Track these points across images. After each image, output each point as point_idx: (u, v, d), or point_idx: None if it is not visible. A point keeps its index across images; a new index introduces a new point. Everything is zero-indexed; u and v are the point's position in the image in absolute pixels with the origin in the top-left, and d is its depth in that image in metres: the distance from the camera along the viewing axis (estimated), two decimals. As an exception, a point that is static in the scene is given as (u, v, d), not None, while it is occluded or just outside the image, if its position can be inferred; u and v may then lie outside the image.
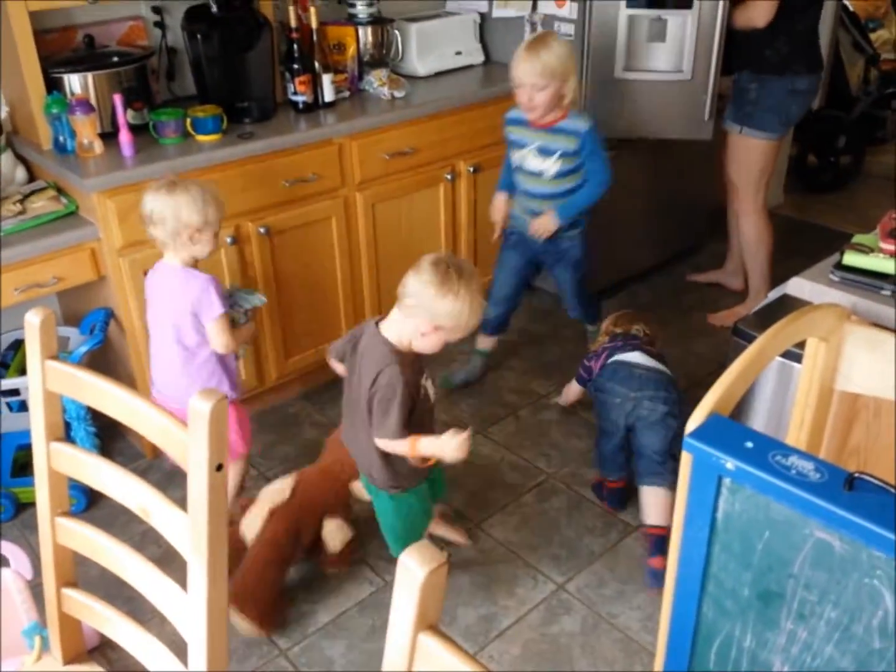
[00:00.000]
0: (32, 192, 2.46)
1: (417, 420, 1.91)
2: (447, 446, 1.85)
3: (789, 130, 3.28)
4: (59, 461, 1.32)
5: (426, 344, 1.86)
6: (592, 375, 2.52)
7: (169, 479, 2.55)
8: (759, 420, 1.97)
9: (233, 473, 2.34)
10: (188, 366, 2.14)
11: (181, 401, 2.02)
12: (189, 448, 1.07)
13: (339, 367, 2.06)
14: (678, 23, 3.04)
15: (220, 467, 1.08)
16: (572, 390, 2.84)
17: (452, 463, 1.90)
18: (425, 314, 1.80)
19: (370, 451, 1.96)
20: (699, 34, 3.02)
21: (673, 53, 3.11)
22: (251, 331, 2.27)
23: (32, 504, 2.46)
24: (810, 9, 3.01)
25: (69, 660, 1.47)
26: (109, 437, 2.74)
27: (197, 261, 2.12)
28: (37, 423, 1.31)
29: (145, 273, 2.43)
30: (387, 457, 1.96)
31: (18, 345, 2.64)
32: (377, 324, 1.91)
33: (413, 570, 0.81)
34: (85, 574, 1.47)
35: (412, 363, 1.89)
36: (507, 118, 2.79)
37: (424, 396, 1.95)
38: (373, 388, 1.86)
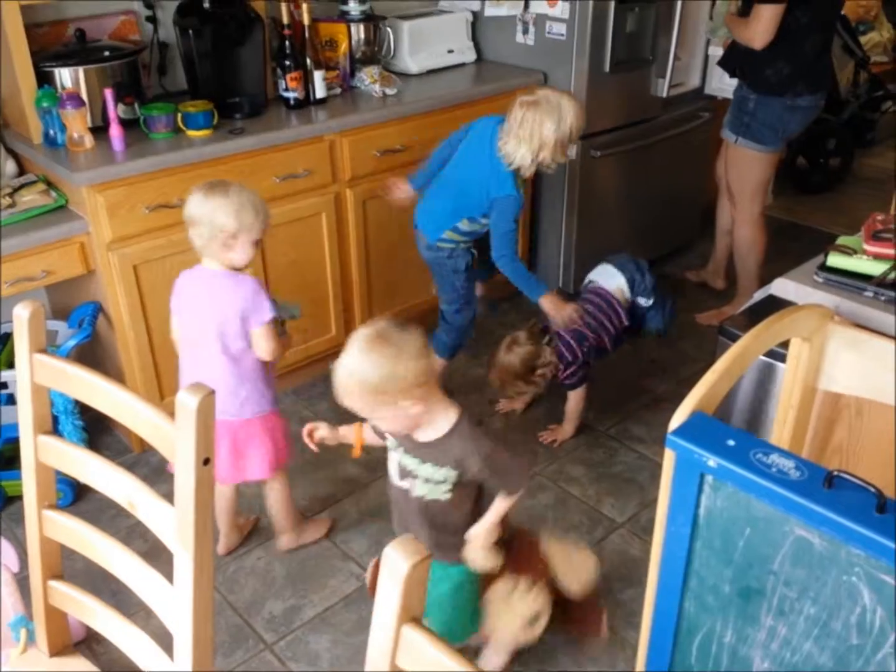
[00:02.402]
0: (22, 186, 2.46)
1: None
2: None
3: (785, 144, 3.25)
4: (47, 454, 1.32)
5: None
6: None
7: (157, 474, 2.56)
8: (742, 418, 1.98)
9: (281, 486, 2.24)
10: (234, 374, 2.02)
11: (229, 411, 2.03)
12: (176, 442, 1.08)
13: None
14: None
15: (206, 461, 1.08)
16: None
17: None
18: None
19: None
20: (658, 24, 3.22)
21: (643, 42, 3.25)
22: (288, 341, 2.15)
23: (19, 497, 2.48)
24: (818, 30, 2.92)
25: (55, 652, 1.47)
26: (97, 431, 2.74)
27: (236, 268, 2.00)
28: (24, 416, 1.31)
29: (134, 268, 2.45)
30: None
31: (7, 338, 2.63)
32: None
33: (397, 562, 0.82)
34: (70, 567, 1.48)
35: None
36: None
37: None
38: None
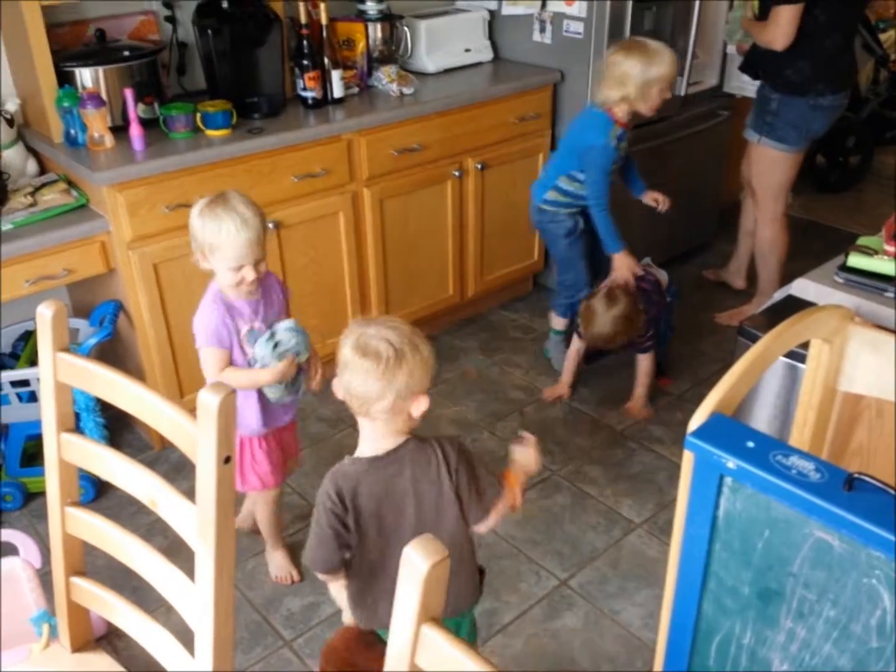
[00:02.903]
0: (43, 185, 2.49)
1: None
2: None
3: (809, 143, 3.22)
4: (70, 452, 1.34)
5: None
6: None
7: (177, 471, 2.57)
8: (762, 420, 1.97)
9: (249, 502, 2.33)
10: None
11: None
12: (198, 441, 1.09)
13: None
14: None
15: (227, 459, 1.09)
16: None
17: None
18: None
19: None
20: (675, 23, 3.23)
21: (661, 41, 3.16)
22: (280, 374, 1.95)
23: (40, 494, 2.51)
24: (837, 28, 2.90)
25: (77, 648, 1.49)
26: (117, 428, 2.77)
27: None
28: (48, 414, 1.33)
29: (154, 266, 2.47)
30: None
31: (28, 336, 2.66)
32: None
33: (417, 563, 0.82)
34: (91, 563, 1.49)
35: None
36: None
37: None
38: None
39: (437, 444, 1.54)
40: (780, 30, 2.80)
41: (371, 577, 1.55)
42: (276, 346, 1.95)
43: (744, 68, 3.20)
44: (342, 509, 1.47)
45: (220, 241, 1.83)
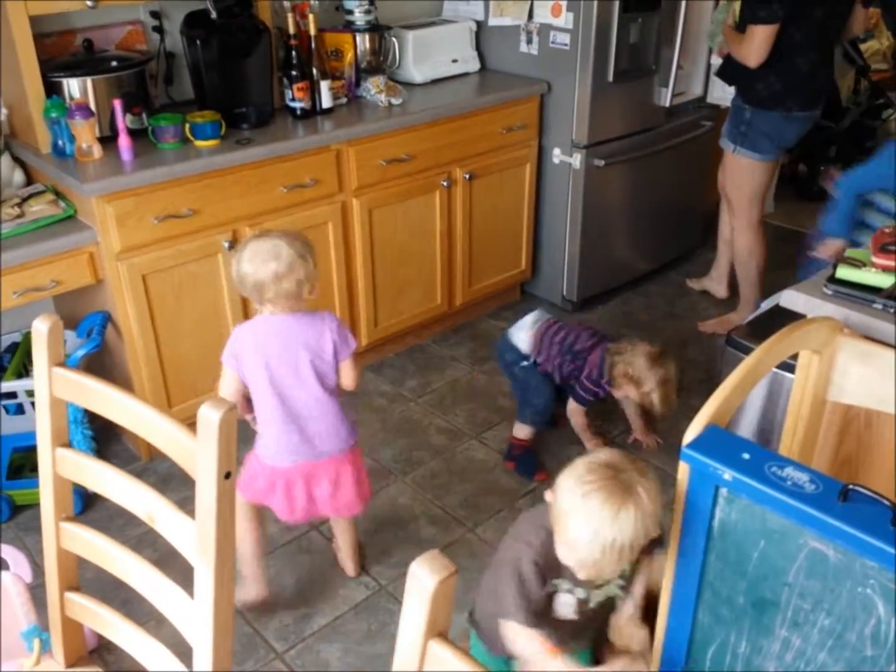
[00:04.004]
0: (31, 196, 2.47)
1: None
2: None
3: (783, 152, 3.27)
4: (64, 466, 1.33)
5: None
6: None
7: (164, 482, 2.56)
8: (750, 429, 2.00)
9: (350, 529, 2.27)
10: (336, 407, 2.04)
11: (337, 447, 2.04)
12: (198, 456, 1.09)
13: None
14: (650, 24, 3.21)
15: (228, 475, 1.09)
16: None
17: None
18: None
19: None
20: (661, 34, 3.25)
21: (646, 52, 3.27)
22: None
23: (28, 506, 2.49)
24: (812, 47, 2.93)
25: (71, 663, 1.48)
26: (104, 440, 2.75)
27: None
28: (43, 429, 1.32)
29: (143, 277, 2.46)
30: None
31: (15, 347, 2.64)
32: None
33: (423, 579, 0.83)
34: (81, 577, 1.48)
35: None
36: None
37: None
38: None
39: None
40: (754, 48, 2.84)
41: None
42: None
43: (720, 73, 3.25)
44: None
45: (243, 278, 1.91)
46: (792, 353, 1.49)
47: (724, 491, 1.23)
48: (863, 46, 5.12)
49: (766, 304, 2.18)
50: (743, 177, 3.22)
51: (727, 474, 1.19)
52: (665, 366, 2.51)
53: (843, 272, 1.72)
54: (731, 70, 3.13)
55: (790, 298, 1.78)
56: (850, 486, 1.12)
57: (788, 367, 1.65)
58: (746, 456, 1.21)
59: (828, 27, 2.96)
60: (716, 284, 3.76)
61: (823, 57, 3.02)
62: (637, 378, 2.49)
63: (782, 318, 1.71)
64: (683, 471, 1.26)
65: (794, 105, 3.01)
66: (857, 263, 1.71)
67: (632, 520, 1.31)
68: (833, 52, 3.09)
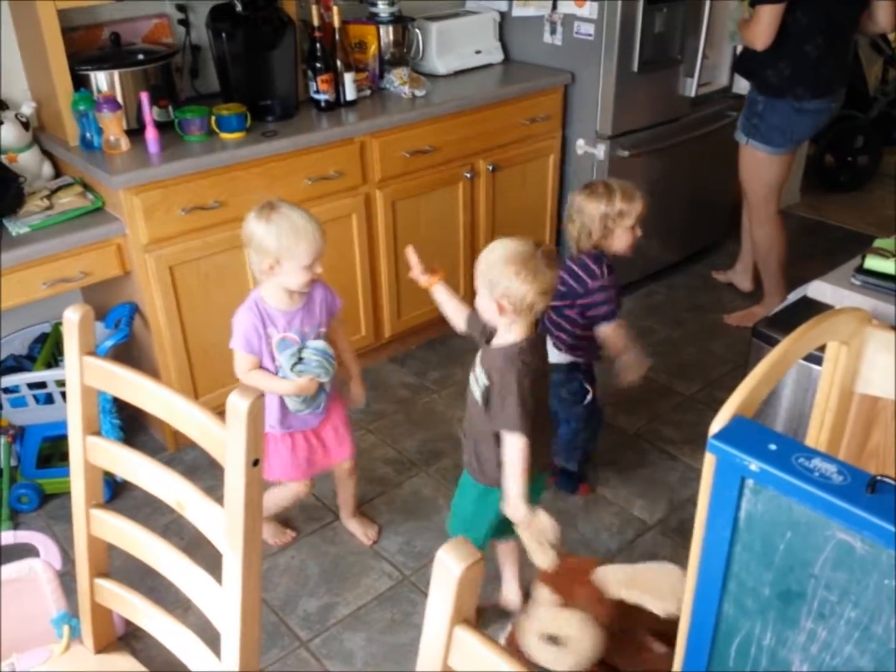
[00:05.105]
0: (59, 188, 2.50)
1: None
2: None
3: (798, 146, 3.23)
4: (95, 455, 1.35)
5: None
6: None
7: (191, 472, 2.59)
8: (778, 421, 1.98)
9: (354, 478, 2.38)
10: None
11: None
12: (227, 444, 1.10)
13: None
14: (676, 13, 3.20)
15: (256, 462, 1.11)
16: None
17: None
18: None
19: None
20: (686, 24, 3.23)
21: (672, 42, 3.25)
22: (297, 388, 2.03)
23: (57, 495, 2.53)
24: (820, 32, 2.89)
25: (101, 648, 1.51)
26: (132, 430, 2.78)
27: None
28: (74, 417, 1.34)
29: (170, 269, 2.49)
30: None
31: (45, 338, 2.68)
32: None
33: (450, 566, 0.83)
34: (109, 565, 1.50)
35: None
36: None
37: None
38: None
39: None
40: (760, 29, 2.83)
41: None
42: (297, 362, 2.01)
43: (737, 68, 3.23)
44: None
45: (297, 240, 1.90)
46: (819, 344, 1.47)
47: (750, 482, 1.22)
48: (891, 36, 5.05)
49: (793, 296, 2.16)
50: (757, 170, 3.20)
51: (754, 465, 1.19)
52: (615, 188, 2.31)
53: (872, 262, 1.70)
54: (746, 62, 3.11)
55: (818, 289, 1.76)
56: (879, 478, 1.11)
57: (816, 359, 1.63)
58: (773, 447, 1.20)
59: (837, 12, 2.91)
60: (740, 277, 3.73)
61: (834, 43, 2.97)
62: (620, 213, 2.30)
63: (810, 309, 1.70)
64: (710, 462, 1.26)
65: (804, 93, 2.98)
66: (886, 254, 1.69)
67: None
68: (847, 39, 3.04)
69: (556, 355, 2.33)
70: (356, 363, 2.26)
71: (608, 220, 2.28)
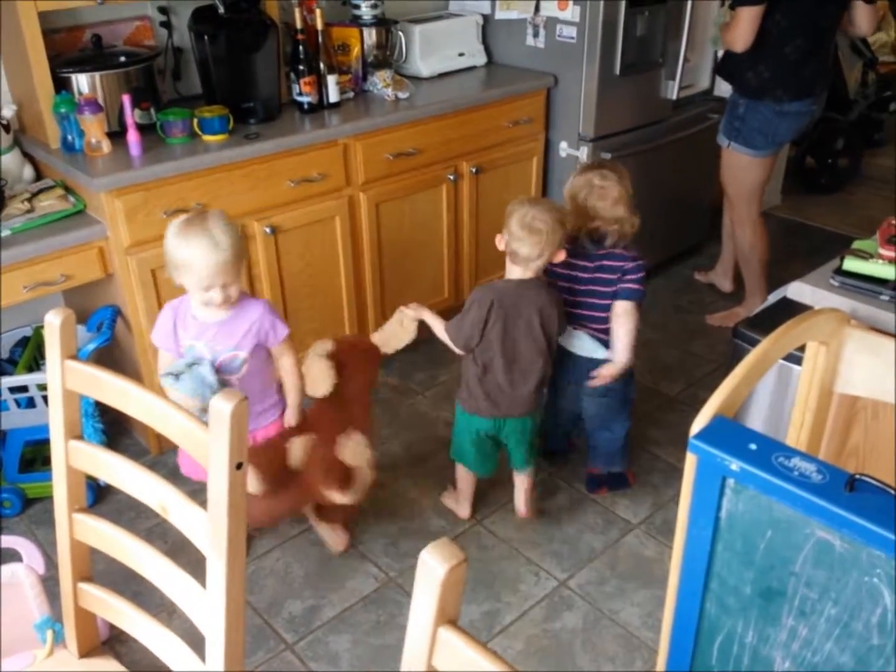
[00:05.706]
0: (40, 191, 2.49)
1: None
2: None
3: (780, 149, 3.26)
4: (77, 458, 1.35)
5: None
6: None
7: (174, 475, 2.57)
8: (757, 420, 2.00)
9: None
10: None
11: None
12: (210, 447, 1.10)
13: None
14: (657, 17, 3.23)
15: (239, 465, 1.11)
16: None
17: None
18: None
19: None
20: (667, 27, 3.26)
21: (653, 45, 3.27)
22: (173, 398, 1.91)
23: (39, 499, 2.51)
24: (800, 34, 2.91)
25: (85, 653, 1.50)
26: (115, 434, 2.77)
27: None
28: (55, 421, 1.34)
29: (152, 272, 2.48)
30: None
31: (26, 341, 2.66)
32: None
33: (434, 567, 0.84)
34: (92, 569, 1.50)
35: None
36: None
37: None
38: None
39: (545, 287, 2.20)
40: (740, 31, 2.85)
41: (484, 372, 2.21)
42: (176, 377, 1.92)
43: (718, 70, 3.26)
44: (488, 308, 2.12)
45: (189, 261, 1.86)
46: (799, 344, 1.49)
47: (731, 481, 1.24)
48: (870, 39, 5.10)
49: (773, 297, 2.18)
50: (738, 172, 3.22)
51: (734, 465, 1.20)
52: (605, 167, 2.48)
53: (850, 264, 1.72)
54: (726, 65, 3.14)
55: (797, 290, 1.78)
56: (857, 476, 1.13)
57: (796, 359, 1.65)
58: (754, 446, 1.21)
59: (818, 15, 2.93)
60: (721, 278, 3.76)
61: (814, 45, 2.98)
62: (619, 197, 2.42)
63: (789, 309, 1.71)
64: (691, 462, 1.27)
65: (784, 95, 3.00)
66: (864, 255, 1.71)
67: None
68: (828, 41, 3.05)
69: (604, 353, 2.35)
70: (296, 393, 2.15)
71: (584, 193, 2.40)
